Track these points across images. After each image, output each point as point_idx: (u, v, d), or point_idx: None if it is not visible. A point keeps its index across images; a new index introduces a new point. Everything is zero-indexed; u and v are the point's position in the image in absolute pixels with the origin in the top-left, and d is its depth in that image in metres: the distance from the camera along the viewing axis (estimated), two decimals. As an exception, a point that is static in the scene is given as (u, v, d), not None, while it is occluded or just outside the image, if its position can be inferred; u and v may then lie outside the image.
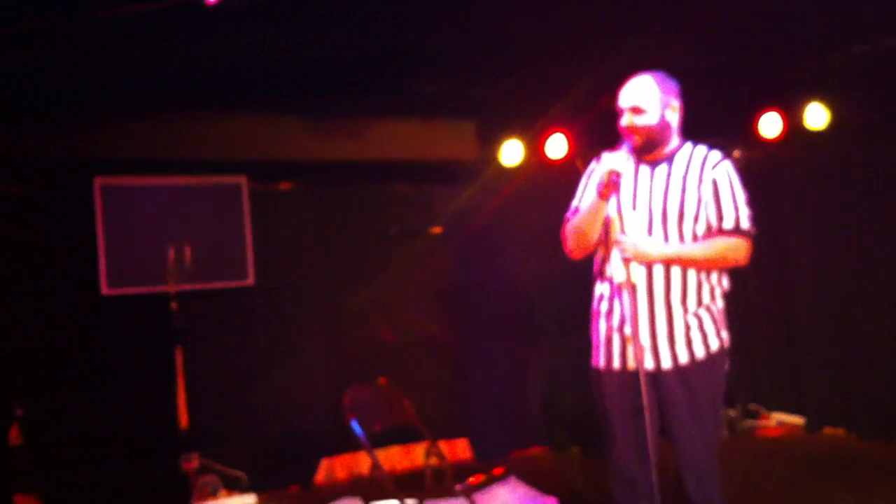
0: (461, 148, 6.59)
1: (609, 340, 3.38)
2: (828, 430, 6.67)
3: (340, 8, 4.25)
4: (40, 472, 5.49)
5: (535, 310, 6.99)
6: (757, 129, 6.35)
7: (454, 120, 6.53)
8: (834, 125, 6.11)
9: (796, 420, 6.93)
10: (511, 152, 6.52)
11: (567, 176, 6.74)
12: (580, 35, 4.79)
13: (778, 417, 7.04)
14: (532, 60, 5.23)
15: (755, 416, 7.07)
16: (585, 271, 3.62)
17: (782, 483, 5.40)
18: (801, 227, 6.80)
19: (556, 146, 6.40)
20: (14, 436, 5.46)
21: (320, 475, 6.29)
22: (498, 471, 5.41)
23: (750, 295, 6.90)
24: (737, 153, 6.72)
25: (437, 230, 6.79)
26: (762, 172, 6.75)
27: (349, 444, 5.82)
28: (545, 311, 6.96)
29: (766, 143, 6.51)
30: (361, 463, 6.29)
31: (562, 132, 6.36)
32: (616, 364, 3.35)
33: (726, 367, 3.41)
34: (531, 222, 6.80)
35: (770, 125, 6.30)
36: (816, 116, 6.10)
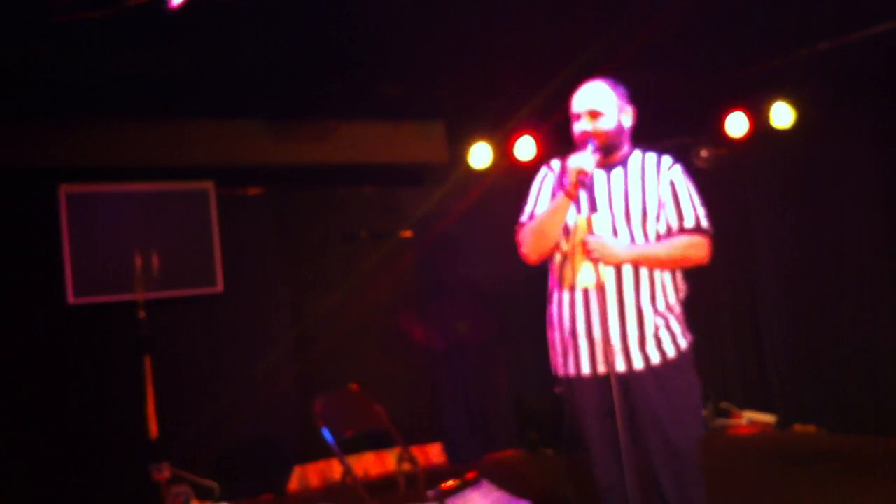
0: (430, 150, 6.58)
1: (577, 346, 3.33)
2: (798, 427, 6.72)
3: (306, 11, 4.23)
4: (9, 482, 5.40)
5: (505, 312, 7.00)
6: (723, 128, 6.39)
7: (422, 122, 6.52)
8: (799, 123, 6.16)
9: (767, 418, 6.97)
10: (480, 155, 6.52)
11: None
12: (547, 37, 4.79)
13: (749, 416, 7.09)
14: (499, 63, 5.22)
15: (726, 414, 7.11)
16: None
17: (756, 481, 5.43)
18: (767, 225, 6.85)
19: (525, 148, 6.40)
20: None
21: (293, 483, 6.24)
22: (470, 475, 5.38)
23: (717, 294, 6.94)
24: (704, 152, 6.76)
25: (407, 234, 6.77)
26: (729, 171, 6.79)
27: (322, 451, 5.78)
28: (515, 314, 6.97)
29: (732, 143, 6.55)
30: (335, 470, 6.24)
31: (530, 134, 6.37)
32: (586, 370, 3.30)
33: (693, 365, 3.39)
34: (501, 224, 6.78)
35: (736, 125, 6.34)
36: (782, 115, 6.15)
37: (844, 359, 6.36)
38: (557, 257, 3.41)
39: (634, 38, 4.57)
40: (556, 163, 3.50)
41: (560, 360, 3.43)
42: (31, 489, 5.49)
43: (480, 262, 6.94)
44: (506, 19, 4.55)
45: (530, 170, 6.54)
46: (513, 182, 6.64)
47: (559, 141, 6.26)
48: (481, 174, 6.62)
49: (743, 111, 6.32)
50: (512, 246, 6.73)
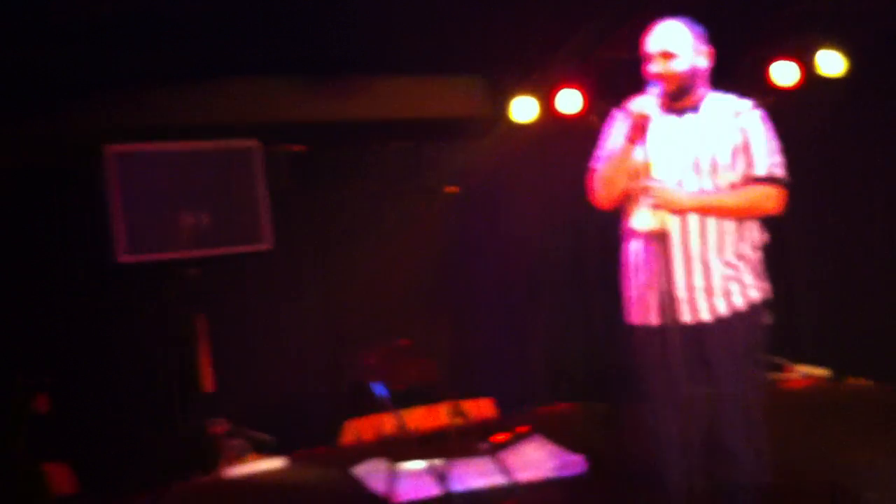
0: (471, 104, 6.53)
1: (643, 295, 3.31)
2: (852, 380, 6.62)
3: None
4: (69, 440, 5.54)
5: (551, 265, 6.96)
6: (769, 76, 6.21)
7: (462, 75, 6.46)
8: (850, 71, 5.97)
9: (820, 371, 6.88)
10: (522, 108, 6.42)
11: (581, 131, 6.73)
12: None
13: (802, 369, 7.00)
14: (539, 11, 5.12)
15: (779, 368, 7.03)
16: (607, 224, 3.57)
17: (810, 435, 5.36)
18: (818, 176, 6.70)
19: (569, 101, 6.30)
20: (42, 405, 5.51)
21: (347, 436, 6.32)
22: (523, 428, 5.40)
23: (766, 246, 6.82)
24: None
25: (453, 189, 6.76)
26: (777, 121, 6.63)
27: (375, 405, 5.87)
28: (568, 266, 6.94)
29: (780, 92, 6.37)
30: (387, 424, 6.29)
31: (574, 86, 6.27)
32: (652, 319, 3.25)
33: (766, 319, 3.34)
34: (543, 178, 6.76)
35: (784, 72, 6.17)
36: (831, 63, 5.96)
37: (898, 309, 6.25)
38: (629, 205, 3.36)
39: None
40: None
41: (628, 307, 3.41)
42: (90, 448, 5.62)
43: (524, 215, 6.91)
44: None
45: (575, 123, 6.51)
46: (557, 135, 6.60)
47: (604, 93, 6.19)
48: (524, 128, 6.55)
49: (790, 59, 6.14)
50: (555, 198, 6.72)
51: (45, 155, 5.76)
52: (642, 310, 3.32)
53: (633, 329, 3.40)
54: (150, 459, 5.73)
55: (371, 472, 5.12)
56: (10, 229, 5.68)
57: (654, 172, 3.18)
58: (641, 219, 3.27)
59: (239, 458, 5.72)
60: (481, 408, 6.65)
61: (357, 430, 6.36)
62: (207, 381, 5.80)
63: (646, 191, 3.17)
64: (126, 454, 5.70)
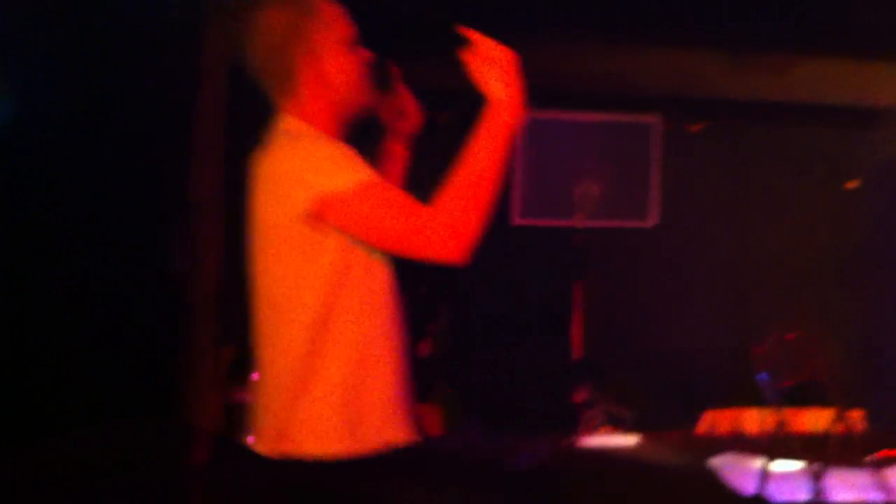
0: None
1: None
2: None
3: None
4: (449, 382, 5.93)
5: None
6: None
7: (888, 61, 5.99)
8: None
9: None
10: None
11: None
12: None
13: None
14: None
15: None
16: None
17: None
18: None
19: None
20: (426, 348, 5.97)
21: (703, 426, 6.19)
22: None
23: None
24: None
25: (855, 183, 6.33)
26: None
27: (737, 398, 5.71)
28: None
29: None
30: (746, 419, 6.09)
31: None
32: None
33: None
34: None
35: None
36: None
37: None
38: None
39: None
40: None
41: None
42: (468, 391, 5.97)
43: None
44: None
45: None
46: None
47: None
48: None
49: None
50: None
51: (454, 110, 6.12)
52: None
53: None
54: (517, 415, 5.99)
55: (731, 466, 4.99)
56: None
57: None
58: None
59: (593, 428, 5.82)
60: (854, 418, 6.22)
61: (715, 420, 6.21)
62: (576, 348, 5.95)
63: None
64: (496, 403, 6.00)
